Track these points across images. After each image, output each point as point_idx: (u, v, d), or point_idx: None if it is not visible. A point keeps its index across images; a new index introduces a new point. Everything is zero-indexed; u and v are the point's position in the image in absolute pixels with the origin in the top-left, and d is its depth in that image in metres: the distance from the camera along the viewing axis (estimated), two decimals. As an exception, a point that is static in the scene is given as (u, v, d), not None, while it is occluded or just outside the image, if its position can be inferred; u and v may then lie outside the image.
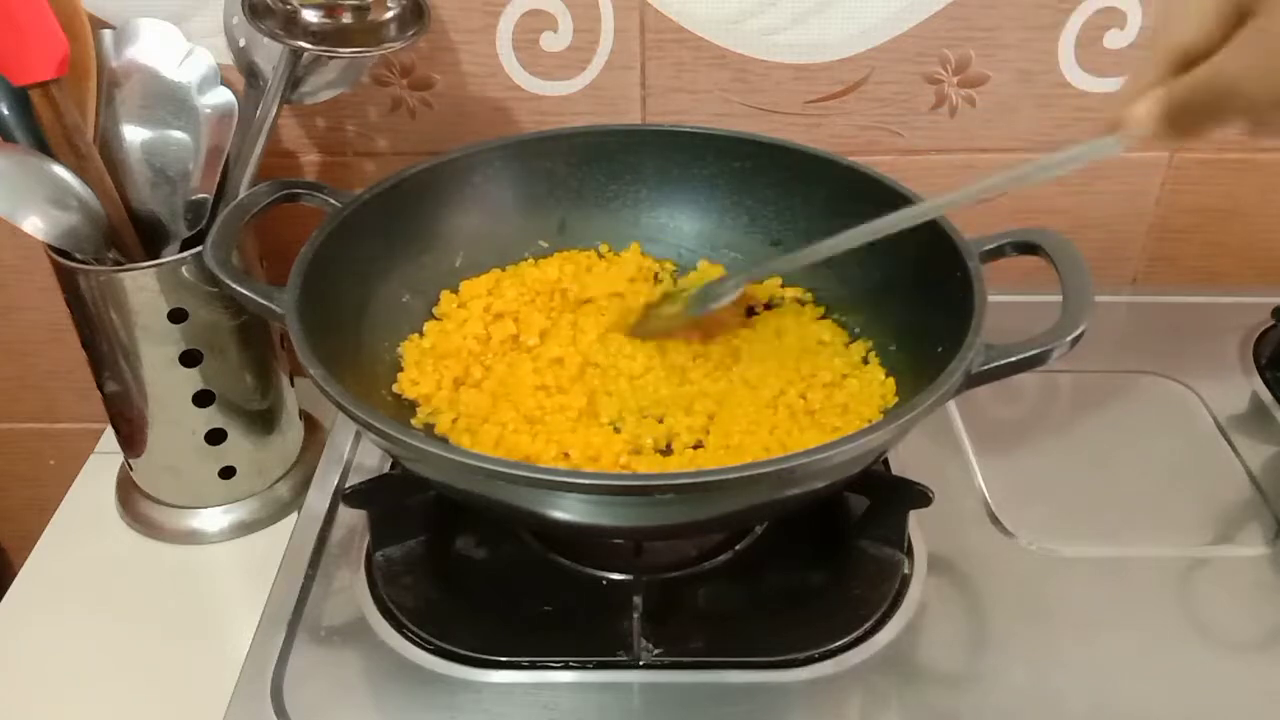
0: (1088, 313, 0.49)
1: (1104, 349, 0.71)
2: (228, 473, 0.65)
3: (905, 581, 0.56)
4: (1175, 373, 0.69)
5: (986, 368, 0.48)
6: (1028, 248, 0.54)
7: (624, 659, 0.52)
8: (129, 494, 0.68)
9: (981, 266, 0.52)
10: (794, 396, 0.57)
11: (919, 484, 0.55)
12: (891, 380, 0.57)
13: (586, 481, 0.44)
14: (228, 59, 0.62)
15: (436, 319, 0.61)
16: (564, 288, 0.63)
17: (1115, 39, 0.68)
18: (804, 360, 0.60)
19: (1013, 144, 0.72)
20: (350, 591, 0.56)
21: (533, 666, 0.52)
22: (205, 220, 0.61)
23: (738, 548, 0.58)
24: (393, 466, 0.61)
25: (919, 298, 0.55)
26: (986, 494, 0.61)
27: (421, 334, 0.61)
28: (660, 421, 0.56)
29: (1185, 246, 0.77)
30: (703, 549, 0.58)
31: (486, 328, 0.60)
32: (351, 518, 0.59)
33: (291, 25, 0.55)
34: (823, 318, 0.63)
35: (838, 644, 0.52)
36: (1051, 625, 0.54)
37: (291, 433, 0.68)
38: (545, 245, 0.66)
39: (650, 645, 0.52)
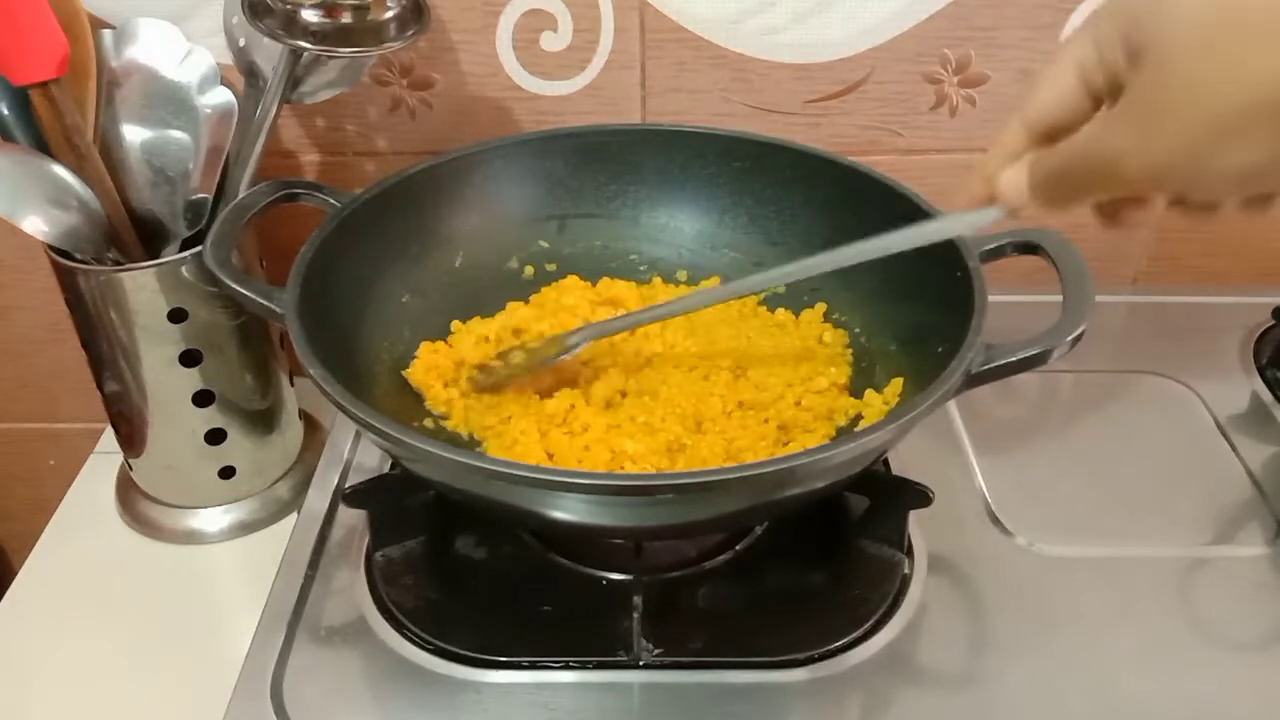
0: (1088, 313, 0.49)
1: (1104, 349, 0.71)
2: (228, 473, 0.65)
3: (905, 581, 0.56)
4: (1175, 373, 0.69)
5: (986, 368, 0.48)
6: (1028, 248, 0.54)
7: (624, 659, 0.52)
8: (129, 494, 0.67)
9: (981, 266, 0.52)
10: (794, 397, 0.57)
11: (919, 484, 0.55)
12: (899, 380, 0.57)
13: (586, 481, 0.44)
14: (228, 59, 0.62)
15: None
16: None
17: (1115, 39, 0.68)
18: (804, 361, 0.60)
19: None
20: (350, 591, 0.56)
21: (533, 666, 0.52)
22: (205, 220, 0.61)
23: (738, 548, 0.58)
24: (392, 466, 0.61)
25: (919, 298, 0.55)
26: (986, 494, 0.61)
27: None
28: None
29: (1185, 246, 0.77)
30: (703, 549, 0.58)
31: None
32: (351, 518, 0.59)
33: (291, 25, 0.55)
34: (823, 318, 0.63)
35: (838, 644, 0.52)
36: (1051, 625, 0.54)
37: (291, 433, 0.68)
38: (545, 245, 0.66)
39: (650, 645, 0.52)
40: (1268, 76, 0.31)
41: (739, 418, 0.56)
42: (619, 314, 0.61)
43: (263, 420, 0.65)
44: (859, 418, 0.56)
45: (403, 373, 0.59)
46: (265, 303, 0.51)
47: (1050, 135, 0.40)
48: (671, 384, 0.58)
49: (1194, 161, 0.33)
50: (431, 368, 0.59)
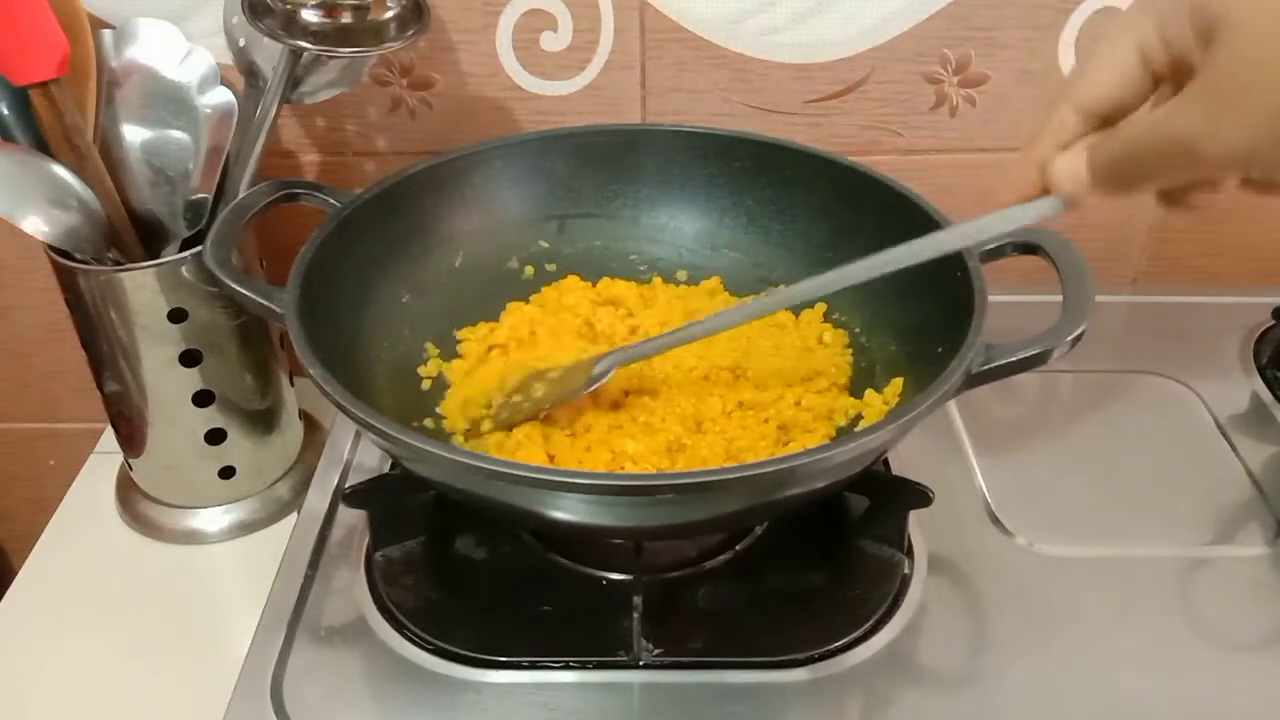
0: (1088, 313, 0.49)
1: (1104, 349, 0.71)
2: (228, 473, 0.65)
3: (905, 581, 0.56)
4: (1175, 373, 0.69)
5: (986, 368, 0.48)
6: (1028, 248, 0.54)
7: (624, 659, 0.52)
8: (129, 494, 0.67)
9: (981, 266, 0.52)
10: (794, 397, 0.57)
11: (919, 484, 0.55)
12: (899, 380, 0.57)
13: (586, 481, 0.44)
14: (228, 59, 0.62)
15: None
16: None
17: (1115, 39, 0.68)
18: (804, 361, 0.60)
19: (1013, 144, 0.72)
20: (350, 591, 0.56)
21: (533, 666, 0.52)
22: (205, 220, 0.61)
23: (738, 548, 0.58)
24: (392, 466, 0.61)
25: (919, 298, 0.55)
26: (986, 494, 0.61)
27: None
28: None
29: (1185, 246, 0.77)
30: (703, 549, 0.58)
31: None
32: (351, 518, 0.59)
33: (291, 25, 0.55)
34: (823, 318, 0.63)
35: (838, 644, 0.52)
36: (1051, 625, 0.54)
37: (291, 433, 0.68)
38: (545, 245, 0.66)
39: (650, 645, 0.52)
40: None
41: (739, 418, 0.56)
42: (630, 324, 0.62)
43: (263, 420, 0.65)
44: (859, 418, 0.56)
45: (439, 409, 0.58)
46: (265, 303, 0.51)
47: (1107, 118, 0.38)
48: (671, 384, 0.58)
49: (1276, 145, 0.33)
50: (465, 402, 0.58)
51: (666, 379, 0.58)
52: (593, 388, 0.54)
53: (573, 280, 0.65)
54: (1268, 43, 0.32)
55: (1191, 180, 0.39)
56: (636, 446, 0.53)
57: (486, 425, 0.56)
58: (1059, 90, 0.40)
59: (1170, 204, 0.40)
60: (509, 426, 0.55)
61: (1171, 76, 0.36)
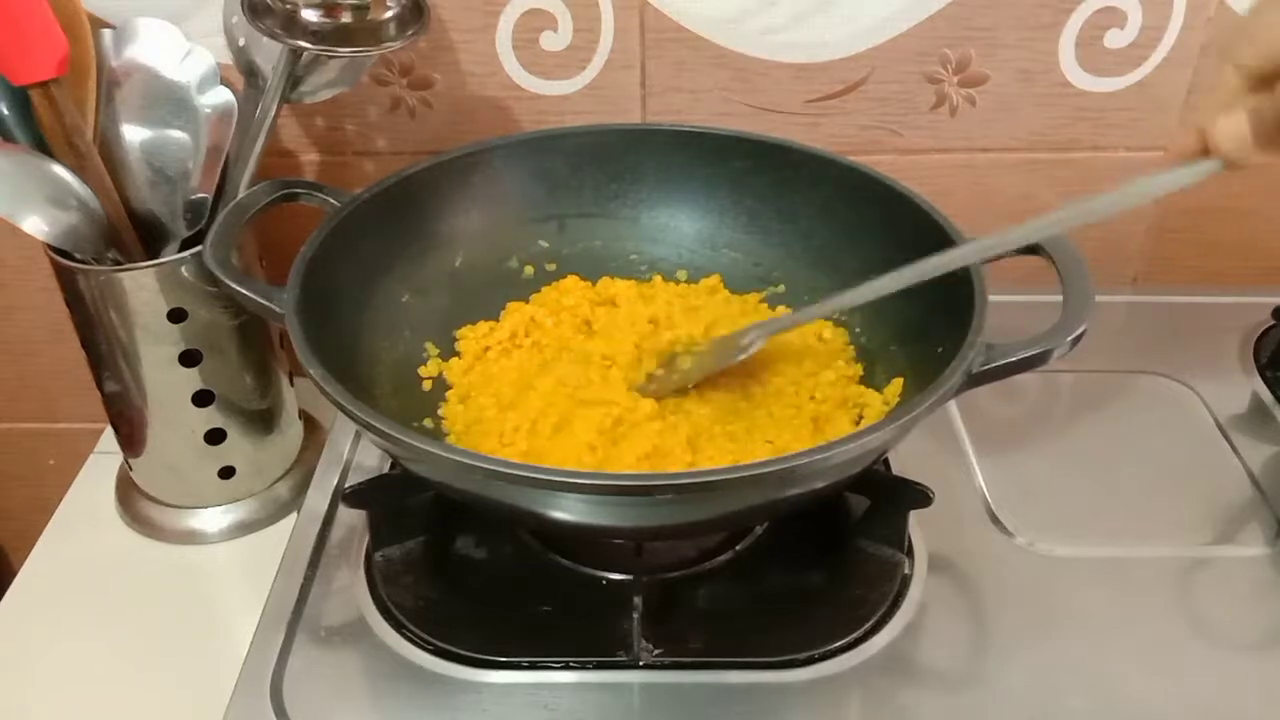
0: (1088, 313, 0.49)
1: (1104, 349, 0.71)
2: (227, 473, 0.65)
3: (905, 581, 0.56)
4: (1175, 373, 0.69)
5: (986, 368, 0.48)
6: (1028, 248, 0.54)
7: (624, 659, 0.52)
8: (129, 494, 0.67)
9: (982, 266, 0.52)
10: (793, 396, 0.57)
11: (919, 484, 0.55)
12: (899, 380, 0.57)
13: (586, 481, 0.44)
14: (228, 59, 0.62)
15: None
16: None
17: (1115, 39, 0.68)
18: (805, 359, 0.60)
19: (1013, 144, 0.72)
20: (350, 591, 0.56)
21: (533, 666, 0.52)
22: (205, 220, 0.61)
23: (738, 548, 0.58)
24: (392, 466, 0.61)
25: (919, 298, 0.55)
26: (986, 494, 0.61)
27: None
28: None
29: (1185, 246, 0.77)
30: (703, 549, 0.58)
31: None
32: (351, 518, 0.59)
33: (291, 25, 0.55)
34: (824, 318, 0.63)
35: (838, 644, 0.52)
36: (1051, 625, 0.54)
37: (291, 433, 0.68)
38: (545, 245, 0.66)
39: (650, 645, 0.52)
40: None
41: (747, 413, 0.56)
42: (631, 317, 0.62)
43: (262, 420, 0.65)
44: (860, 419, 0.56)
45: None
46: (265, 303, 0.51)
47: (1269, 80, 0.38)
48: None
49: None
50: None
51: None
52: (741, 357, 0.56)
53: (572, 280, 0.65)
54: None
55: None
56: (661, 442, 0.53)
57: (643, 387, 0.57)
58: (1221, 52, 0.40)
59: None
60: (655, 396, 0.56)
61: None
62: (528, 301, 0.64)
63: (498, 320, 0.63)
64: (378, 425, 0.45)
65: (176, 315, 0.58)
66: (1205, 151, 0.41)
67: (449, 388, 0.60)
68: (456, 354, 0.62)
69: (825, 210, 0.63)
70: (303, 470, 0.68)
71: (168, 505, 0.66)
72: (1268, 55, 0.38)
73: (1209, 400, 0.67)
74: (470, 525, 0.59)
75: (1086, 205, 0.45)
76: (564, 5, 0.66)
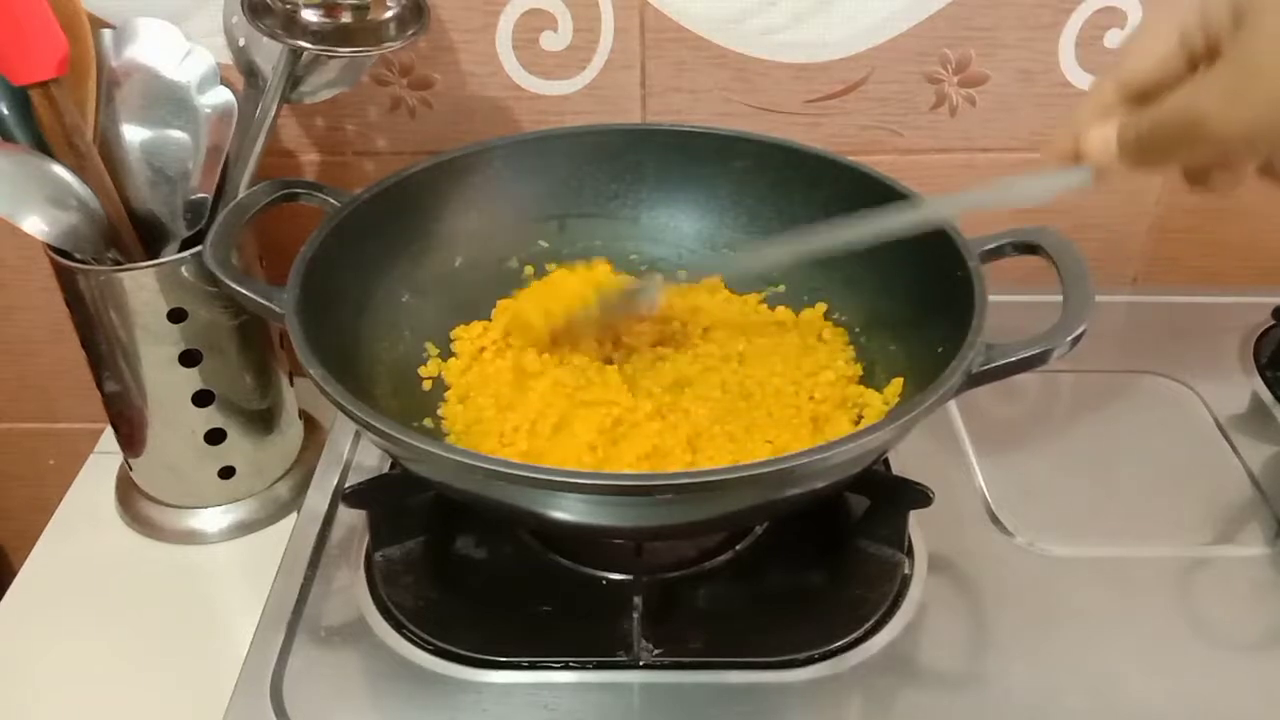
0: (1088, 313, 0.49)
1: (1104, 349, 0.71)
2: (227, 473, 0.65)
3: (905, 581, 0.56)
4: (1175, 373, 0.69)
5: (986, 368, 0.48)
6: (1028, 248, 0.54)
7: (624, 659, 0.52)
8: (129, 494, 0.67)
9: (982, 266, 0.52)
10: (792, 396, 0.57)
11: (919, 484, 0.55)
12: (899, 380, 0.57)
13: (586, 481, 0.44)
14: (228, 59, 0.62)
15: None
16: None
17: (1115, 39, 0.68)
18: (805, 358, 0.60)
19: (1013, 144, 0.72)
20: (350, 591, 0.56)
21: (533, 666, 0.52)
22: (205, 220, 0.61)
23: (738, 548, 0.58)
24: (392, 466, 0.61)
25: (919, 298, 0.56)
26: (986, 494, 0.61)
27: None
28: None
29: (1185, 246, 0.77)
30: (703, 549, 0.58)
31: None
32: (351, 518, 0.59)
33: (291, 25, 0.55)
34: (823, 317, 0.63)
35: (838, 644, 0.52)
36: (1051, 625, 0.54)
37: (291, 433, 0.68)
38: (545, 245, 0.66)
39: (650, 645, 0.52)
40: None
41: (746, 412, 0.56)
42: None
43: (262, 420, 0.65)
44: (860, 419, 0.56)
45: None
46: (265, 303, 0.51)
47: (1143, 96, 0.39)
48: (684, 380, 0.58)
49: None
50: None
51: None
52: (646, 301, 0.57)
53: (560, 273, 0.65)
54: None
55: (1210, 160, 0.39)
56: (660, 442, 0.53)
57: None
58: (1107, 65, 0.41)
59: (1193, 183, 0.41)
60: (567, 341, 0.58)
61: (1207, 60, 0.37)
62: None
63: (491, 320, 0.63)
64: (378, 425, 0.45)
65: (176, 315, 0.58)
66: (1077, 157, 0.42)
67: (448, 388, 0.60)
68: (454, 354, 0.62)
69: (825, 210, 0.62)
70: (303, 470, 0.68)
71: (168, 505, 0.66)
72: (1142, 74, 0.39)
73: (1209, 400, 0.67)
74: (470, 525, 0.59)
75: (956, 199, 0.49)
76: (564, 5, 0.66)
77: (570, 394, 0.56)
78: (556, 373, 0.58)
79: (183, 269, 0.58)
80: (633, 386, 0.57)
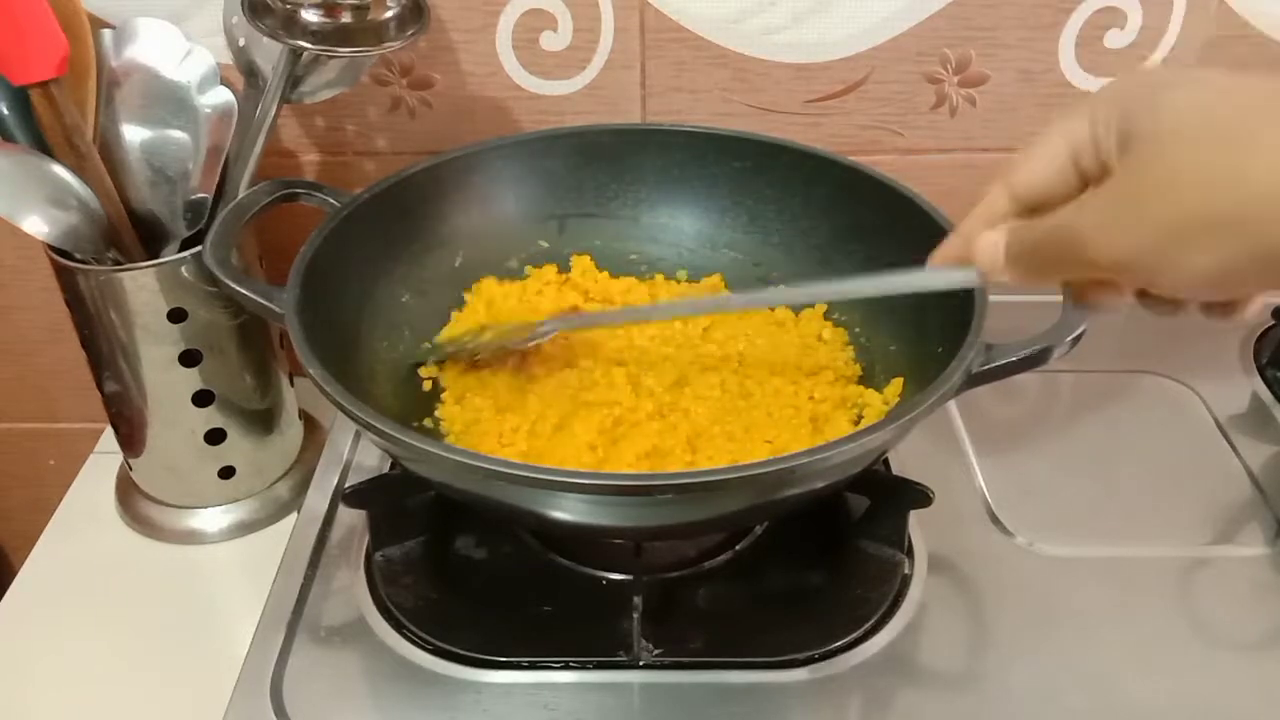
0: (1088, 312, 0.49)
1: (1104, 349, 0.71)
2: (227, 473, 0.65)
3: (905, 581, 0.56)
4: (1175, 373, 0.69)
5: (986, 368, 0.48)
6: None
7: (624, 659, 0.52)
8: (128, 494, 0.67)
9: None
10: (792, 396, 0.57)
11: (919, 484, 0.55)
12: (899, 380, 0.57)
13: (586, 481, 0.44)
14: (227, 59, 0.62)
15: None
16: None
17: (1115, 39, 0.68)
18: (805, 358, 0.60)
19: (1013, 144, 0.72)
20: (350, 591, 0.56)
21: (533, 666, 0.52)
22: (205, 220, 0.61)
23: (738, 548, 0.58)
24: (392, 466, 0.61)
25: (919, 298, 0.55)
26: (986, 494, 0.61)
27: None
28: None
29: (1185, 246, 0.77)
30: (703, 549, 0.58)
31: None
32: (351, 518, 0.59)
33: (291, 25, 0.55)
34: (823, 317, 0.63)
35: (838, 644, 0.52)
36: (1051, 625, 0.54)
37: (291, 433, 0.68)
38: (545, 245, 0.66)
39: (650, 645, 0.52)
40: (1234, 187, 0.31)
41: (746, 412, 0.56)
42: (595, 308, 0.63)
43: (262, 420, 0.65)
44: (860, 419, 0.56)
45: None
46: (265, 303, 0.51)
47: (1034, 207, 0.39)
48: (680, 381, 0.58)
49: (1157, 256, 0.33)
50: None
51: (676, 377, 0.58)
52: (533, 343, 0.57)
53: (550, 270, 0.65)
54: (1168, 160, 0.33)
55: (1091, 278, 0.40)
56: (660, 443, 0.53)
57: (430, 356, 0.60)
58: (999, 172, 0.41)
59: (1075, 298, 0.41)
60: (449, 360, 0.59)
61: (1097, 178, 0.37)
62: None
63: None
64: (378, 425, 0.45)
65: (176, 315, 0.58)
66: (967, 258, 0.42)
67: (445, 389, 0.60)
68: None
69: (825, 210, 0.63)
70: (303, 470, 0.68)
71: (168, 505, 0.66)
72: (1034, 185, 0.39)
73: (1209, 400, 0.67)
74: (470, 525, 0.59)
75: (850, 283, 0.50)
76: (564, 5, 0.66)
77: (574, 394, 0.56)
78: (562, 374, 0.58)
79: (183, 269, 0.58)
80: (635, 386, 0.57)
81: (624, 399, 0.56)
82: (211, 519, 0.65)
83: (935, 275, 0.44)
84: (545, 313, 0.62)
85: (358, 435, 0.66)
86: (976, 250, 0.41)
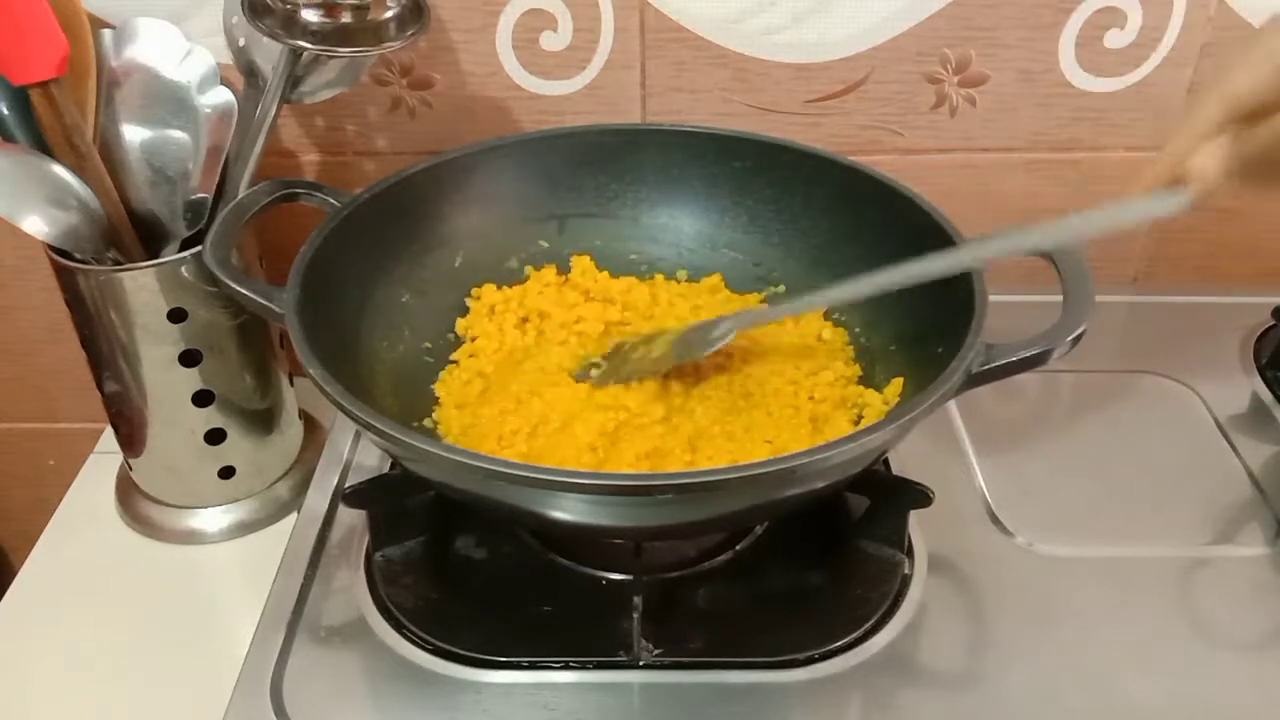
0: (1088, 312, 0.49)
1: (1104, 349, 0.71)
2: (227, 473, 0.65)
3: (905, 581, 0.56)
4: (1175, 373, 0.69)
5: (986, 368, 0.48)
6: (1028, 247, 0.54)
7: (624, 659, 0.52)
8: (128, 494, 0.67)
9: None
10: (791, 396, 0.57)
11: (919, 484, 0.55)
12: (899, 380, 0.57)
13: (586, 481, 0.44)
14: (227, 59, 0.62)
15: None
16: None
17: (1115, 39, 0.68)
18: (805, 358, 0.60)
19: (1013, 144, 0.72)
20: (350, 591, 0.56)
21: (533, 666, 0.52)
22: (205, 220, 0.61)
23: (738, 548, 0.58)
24: (392, 466, 0.61)
25: (919, 298, 0.55)
26: (986, 494, 0.61)
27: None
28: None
29: (1185, 246, 0.77)
30: (703, 549, 0.58)
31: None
32: (351, 518, 0.59)
33: (291, 25, 0.55)
34: (823, 317, 0.63)
35: (838, 644, 0.52)
36: (1051, 625, 0.54)
37: (291, 432, 0.68)
38: (545, 245, 0.66)
39: (650, 645, 0.52)
40: None
41: (746, 412, 0.56)
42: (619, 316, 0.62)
43: (262, 420, 0.65)
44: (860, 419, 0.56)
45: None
46: (265, 303, 0.51)
47: (1251, 116, 0.39)
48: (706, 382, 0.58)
49: None
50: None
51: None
52: (708, 351, 0.56)
53: (548, 272, 0.65)
54: None
55: None
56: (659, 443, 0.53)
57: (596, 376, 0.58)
58: (1210, 83, 0.40)
59: None
60: (618, 382, 0.57)
61: None
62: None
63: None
64: (378, 425, 0.45)
65: (176, 315, 0.58)
66: (1175, 180, 0.41)
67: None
68: (453, 361, 0.62)
69: (825, 210, 0.63)
70: (303, 470, 0.68)
71: (168, 505, 0.66)
72: (1254, 92, 0.39)
73: (1209, 400, 0.67)
74: (470, 525, 0.59)
75: (1038, 230, 0.47)
76: (564, 5, 0.66)
77: (587, 397, 0.56)
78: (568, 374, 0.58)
79: (183, 269, 0.58)
80: (661, 391, 0.57)
81: (631, 404, 0.55)
82: (211, 519, 0.65)
83: (1139, 205, 0.42)
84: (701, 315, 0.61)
85: (358, 435, 0.66)
86: (1194, 164, 0.40)
